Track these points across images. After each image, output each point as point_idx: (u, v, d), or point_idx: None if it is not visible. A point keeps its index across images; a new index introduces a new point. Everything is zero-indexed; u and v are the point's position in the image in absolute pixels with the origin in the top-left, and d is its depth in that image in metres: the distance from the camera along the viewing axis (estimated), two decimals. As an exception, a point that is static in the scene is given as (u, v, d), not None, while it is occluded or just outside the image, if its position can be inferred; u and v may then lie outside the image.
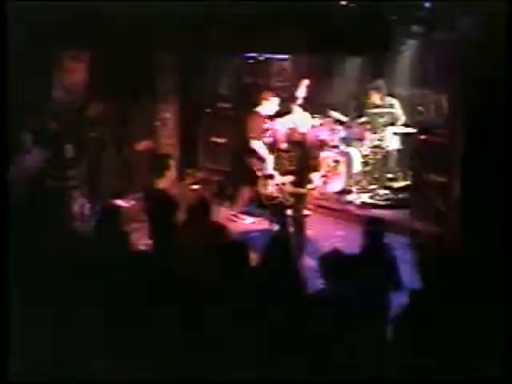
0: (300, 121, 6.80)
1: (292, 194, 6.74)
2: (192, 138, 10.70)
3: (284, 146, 6.86)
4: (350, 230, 8.33)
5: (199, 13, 8.02)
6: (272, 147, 7.00)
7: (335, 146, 9.45)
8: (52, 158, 8.25)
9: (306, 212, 8.21)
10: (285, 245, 4.88)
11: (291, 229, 6.81)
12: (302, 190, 6.72)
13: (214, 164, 10.51)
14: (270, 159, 7.01)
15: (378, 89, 9.22)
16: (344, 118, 9.37)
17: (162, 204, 5.91)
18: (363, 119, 9.46)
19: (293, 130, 6.81)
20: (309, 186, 6.77)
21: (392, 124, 9.17)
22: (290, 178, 6.77)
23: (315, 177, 6.81)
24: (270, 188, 6.91)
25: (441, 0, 7.47)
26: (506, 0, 5.76)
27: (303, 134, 6.81)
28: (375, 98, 9.24)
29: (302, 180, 6.75)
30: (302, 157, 6.77)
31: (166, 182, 7.45)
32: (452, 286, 3.98)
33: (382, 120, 9.18)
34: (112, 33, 8.16)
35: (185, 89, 10.12)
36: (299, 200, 6.79)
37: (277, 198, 6.85)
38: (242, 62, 10.31)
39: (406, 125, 9.10)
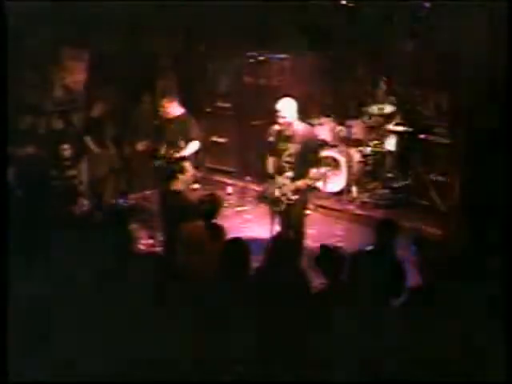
0: (285, 109, 6.71)
1: (292, 192, 6.71)
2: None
3: (280, 145, 6.82)
4: (349, 230, 8.34)
5: (199, 13, 8.03)
6: (271, 148, 6.96)
7: (335, 146, 9.45)
8: (52, 157, 8.27)
9: (306, 212, 8.22)
10: (287, 245, 4.88)
11: (292, 229, 6.78)
12: (300, 184, 6.67)
13: (214, 163, 10.50)
14: (271, 162, 6.97)
15: (379, 88, 9.21)
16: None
17: (177, 206, 5.95)
18: (363, 118, 9.45)
19: (285, 125, 6.75)
20: (307, 181, 6.71)
21: (392, 123, 9.16)
22: (288, 175, 6.73)
23: (314, 171, 6.72)
24: (271, 189, 6.87)
25: (441, 0, 7.47)
26: (506, 0, 5.76)
27: (294, 128, 6.75)
28: (377, 97, 9.23)
29: (300, 175, 6.71)
30: (299, 152, 6.71)
31: (180, 184, 7.48)
32: (453, 285, 3.99)
33: (382, 119, 9.17)
34: (112, 32, 8.16)
35: (185, 89, 10.11)
36: (300, 197, 6.76)
37: (278, 198, 6.82)
38: (242, 61, 10.30)
39: (405, 124, 9.08)
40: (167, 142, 7.52)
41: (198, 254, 5.25)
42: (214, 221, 5.82)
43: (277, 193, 6.75)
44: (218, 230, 5.72)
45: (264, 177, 7.02)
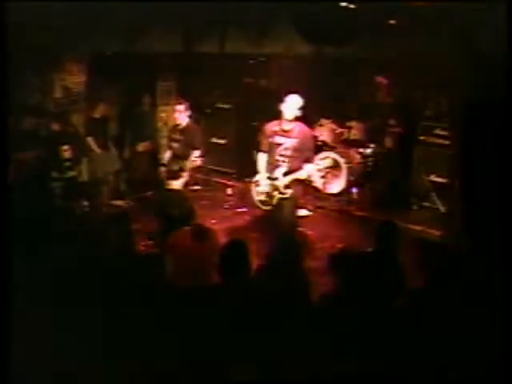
0: (291, 106, 6.74)
1: (284, 186, 6.72)
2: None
3: (276, 140, 6.83)
4: (349, 231, 8.35)
5: (199, 12, 8.03)
6: (266, 146, 6.95)
7: (335, 147, 9.46)
8: (52, 158, 8.28)
9: (304, 212, 8.23)
10: (288, 246, 4.88)
11: (285, 224, 6.77)
12: (294, 177, 6.68)
13: (214, 165, 10.50)
14: (264, 160, 6.97)
15: (379, 88, 9.22)
16: None
17: (177, 205, 5.89)
18: (363, 119, 9.46)
19: (283, 122, 6.77)
20: (300, 175, 6.71)
21: (392, 124, 9.17)
22: (282, 170, 6.74)
23: (307, 167, 6.72)
24: (266, 187, 6.87)
25: (441, 0, 7.47)
26: (506, 0, 5.76)
27: (293, 124, 6.76)
28: (376, 97, 9.24)
29: (292, 169, 6.72)
30: (295, 146, 6.72)
31: (180, 183, 7.50)
32: (453, 286, 3.99)
33: (382, 120, 9.18)
34: (112, 33, 8.16)
35: (185, 89, 10.12)
36: (292, 191, 6.76)
37: (272, 195, 6.83)
38: (242, 62, 10.31)
39: (405, 125, 9.09)
40: (174, 154, 7.57)
41: (183, 260, 5.21)
42: (198, 224, 5.71)
43: (269, 188, 6.78)
44: (204, 233, 5.60)
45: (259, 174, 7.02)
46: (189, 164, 7.55)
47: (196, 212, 5.77)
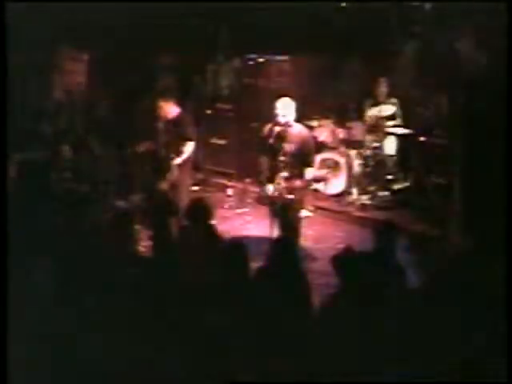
0: (284, 109, 6.74)
1: (288, 191, 6.71)
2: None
3: (275, 143, 6.82)
4: (350, 232, 8.34)
5: (200, 13, 8.04)
6: (267, 148, 6.95)
7: (335, 148, 9.44)
8: (52, 158, 8.28)
9: (305, 213, 8.21)
10: (289, 247, 4.87)
11: (288, 229, 6.76)
12: (295, 183, 6.68)
13: (213, 165, 10.50)
14: (264, 162, 6.96)
15: (379, 89, 9.22)
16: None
17: (163, 205, 5.91)
18: (364, 120, 9.45)
19: (281, 126, 6.77)
20: (303, 181, 6.71)
21: (392, 125, 9.16)
22: (284, 174, 6.73)
23: (309, 171, 6.73)
24: (268, 189, 6.87)
25: (441, 0, 7.48)
26: (506, 0, 5.76)
27: (292, 127, 6.76)
28: (377, 98, 9.23)
29: (295, 174, 6.71)
30: (294, 151, 6.72)
31: (167, 183, 7.50)
32: (453, 286, 3.99)
33: (382, 121, 9.16)
34: (112, 33, 8.17)
35: (185, 90, 10.12)
36: (295, 196, 6.75)
37: (274, 198, 6.83)
38: (242, 63, 10.30)
39: (406, 126, 9.08)
40: (166, 144, 7.57)
41: (192, 259, 5.22)
42: (208, 224, 5.73)
43: (271, 192, 6.77)
44: (213, 233, 5.62)
45: (260, 177, 7.02)
46: (180, 160, 7.53)
47: (208, 211, 5.78)
